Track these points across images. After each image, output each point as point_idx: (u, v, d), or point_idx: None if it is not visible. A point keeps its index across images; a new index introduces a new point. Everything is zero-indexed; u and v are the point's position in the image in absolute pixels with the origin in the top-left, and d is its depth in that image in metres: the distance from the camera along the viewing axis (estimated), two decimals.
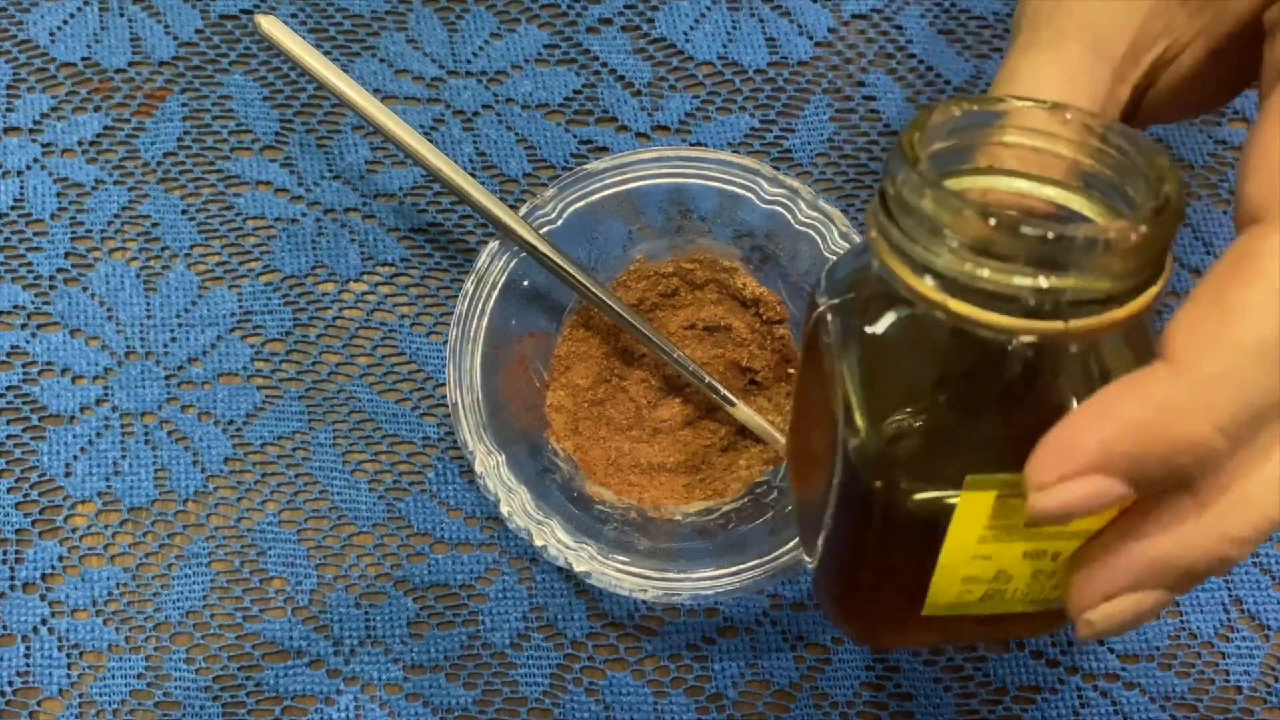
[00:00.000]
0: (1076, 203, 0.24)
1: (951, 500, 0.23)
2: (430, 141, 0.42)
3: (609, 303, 0.37)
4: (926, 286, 0.22)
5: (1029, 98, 0.24)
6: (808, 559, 0.30)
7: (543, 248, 0.36)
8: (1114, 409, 0.20)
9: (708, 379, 0.38)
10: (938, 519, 0.23)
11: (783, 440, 0.39)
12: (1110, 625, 0.22)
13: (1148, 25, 0.26)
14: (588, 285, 0.37)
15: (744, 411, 0.39)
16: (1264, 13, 0.24)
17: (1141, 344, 0.23)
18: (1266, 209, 0.21)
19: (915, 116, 0.24)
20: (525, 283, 0.38)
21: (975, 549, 0.24)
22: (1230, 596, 0.40)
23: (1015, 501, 0.23)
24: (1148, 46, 0.26)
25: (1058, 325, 0.21)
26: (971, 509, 0.23)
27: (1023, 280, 0.21)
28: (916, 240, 0.22)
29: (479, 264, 0.37)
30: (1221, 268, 0.21)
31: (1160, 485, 0.21)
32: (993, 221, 0.21)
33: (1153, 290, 0.22)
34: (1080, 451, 0.20)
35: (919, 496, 0.24)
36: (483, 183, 0.42)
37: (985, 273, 0.21)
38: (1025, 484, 0.21)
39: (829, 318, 0.26)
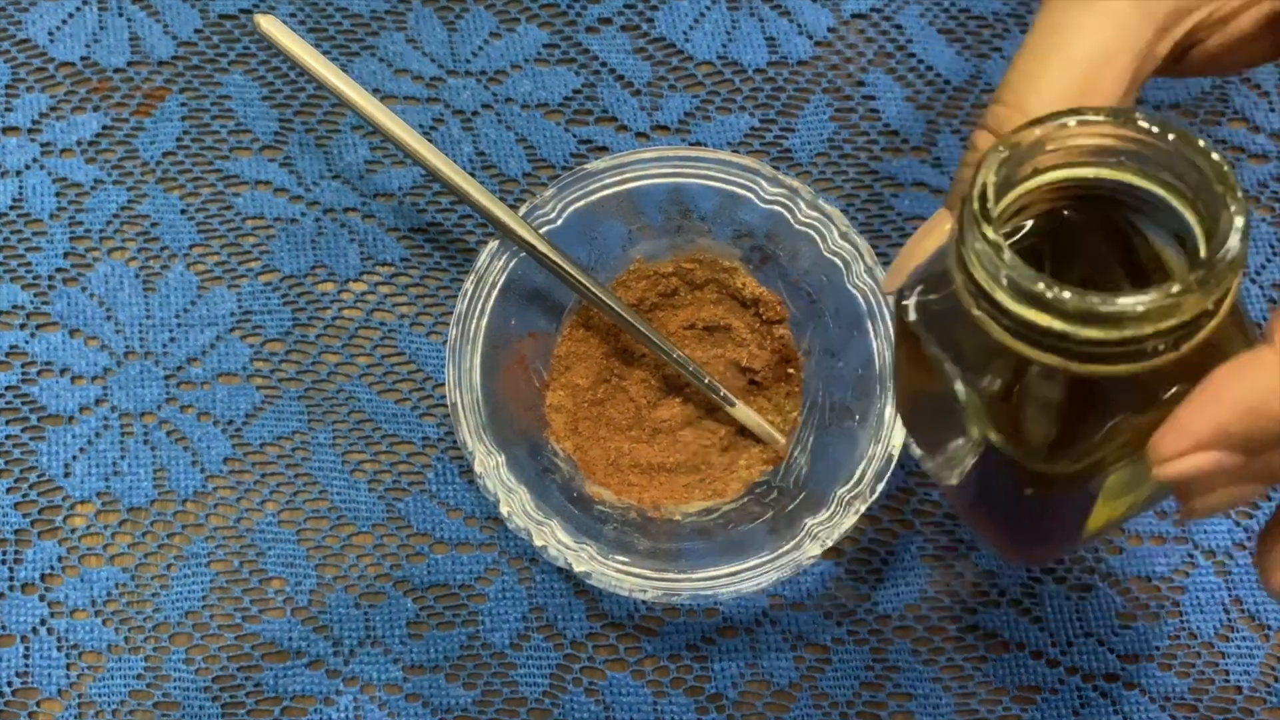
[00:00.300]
0: (1146, 183, 0.24)
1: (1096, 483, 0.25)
2: (429, 141, 0.42)
3: (608, 302, 0.37)
4: (1035, 352, 0.23)
5: (1085, 109, 0.24)
6: (946, 479, 0.29)
7: (542, 247, 0.36)
8: (1225, 395, 0.23)
9: (707, 379, 0.38)
10: (1085, 493, 0.26)
11: (782, 440, 0.39)
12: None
13: None
14: (587, 285, 0.37)
15: (743, 412, 0.39)
16: None
17: (1234, 311, 0.24)
18: None
19: (982, 167, 0.24)
20: (525, 283, 0.38)
21: (1120, 495, 0.26)
22: (1230, 596, 0.40)
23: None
24: (1192, 8, 0.27)
25: (1171, 356, 0.23)
26: (1114, 479, 0.25)
27: (1131, 334, 0.22)
28: (1013, 310, 0.23)
29: (479, 264, 0.37)
30: None
31: (1268, 448, 0.23)
32: (1089, 302, 0.22)
33: (1236, 281, 0.23)
34: (1196, 434, 0.23)
35: (1065, 486, 0.25)
36: (482, 183, 0.42)
37: (1093, 333, 0.22)
38: (1150, 459, 0.23)
39: (918, 317, 0.26)
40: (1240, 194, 0.23)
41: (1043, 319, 0.22)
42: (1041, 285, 0.22)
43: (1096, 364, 0.23)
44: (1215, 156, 0.23)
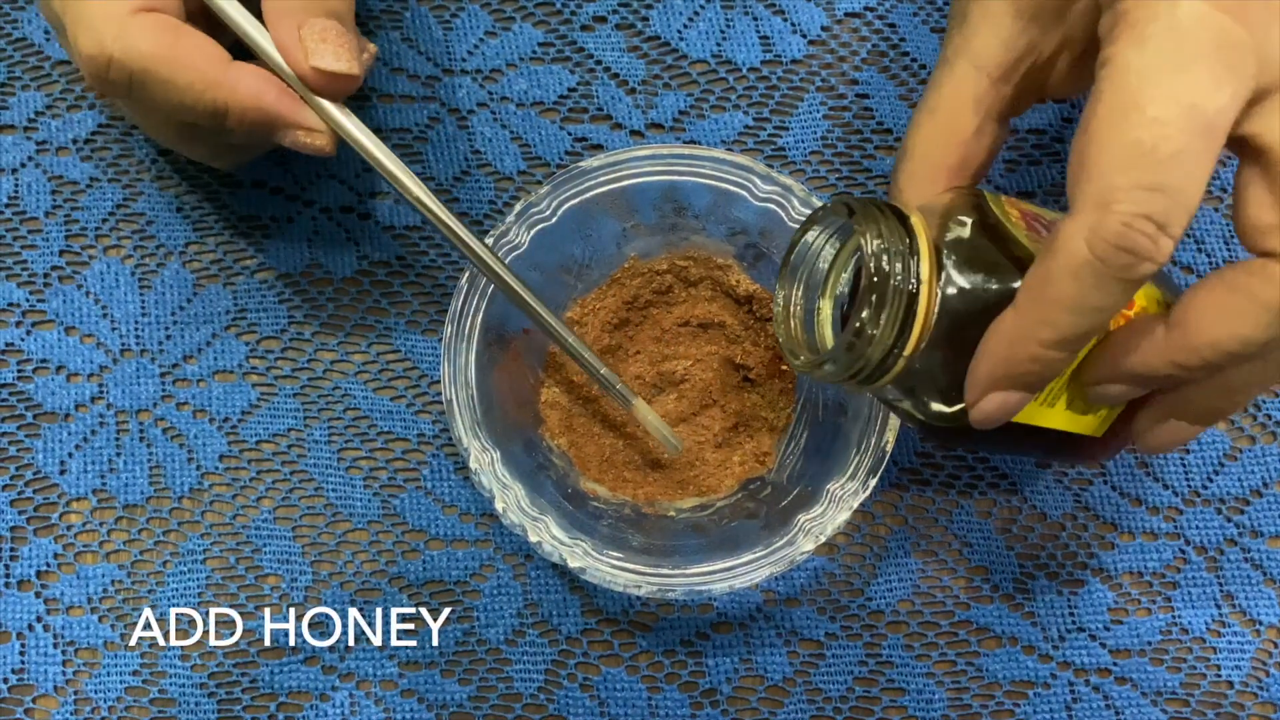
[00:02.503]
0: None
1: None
2: (426, 140, 0.43)
3: (560, 332, 0.36)
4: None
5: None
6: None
7: (483, 255, 0.35)
8: (987, 350, 0.29)
9: (618, 384, 0.37)
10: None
11: (678, 447, 0.39)
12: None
13: (1012, 44, 0.33)
14: (543, 315, 0.36)
15: (642, 410, 0.38)
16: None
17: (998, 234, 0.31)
18: (1070, 196, 0.28)
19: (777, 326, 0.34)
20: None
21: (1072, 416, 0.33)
22: (1221, 592, 0.40)
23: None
24: (1020, 59, 0.33)
25: (900, 364, 0.31)
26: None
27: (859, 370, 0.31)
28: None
29: None
30: (1042, 255, 0.28)
31: (1035, 381, 0.29)
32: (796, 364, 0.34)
33: (923, 295, 0.30)
34: (978, 384, 0.30)
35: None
36: (477, 180, 0.42)
37: (828, 374, 0.32)
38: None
39: None
40: (868, 238, 0.30)
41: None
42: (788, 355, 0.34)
43: (864, 385, 0.31)
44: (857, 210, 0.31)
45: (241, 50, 0.34)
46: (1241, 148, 0.29)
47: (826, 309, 0.34)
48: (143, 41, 0.32)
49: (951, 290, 0.30)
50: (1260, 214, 0.29)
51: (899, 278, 0.30)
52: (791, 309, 0.34)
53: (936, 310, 0.30)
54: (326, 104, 0.34)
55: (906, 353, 0.30)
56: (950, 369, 0.31)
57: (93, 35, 0.32)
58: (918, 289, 0.30)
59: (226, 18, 0.34)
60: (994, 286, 0.30)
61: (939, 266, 0.30)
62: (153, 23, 0.32)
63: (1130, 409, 0.33)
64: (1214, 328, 0.29)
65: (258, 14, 0.34)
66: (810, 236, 0.34)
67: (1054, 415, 0.32)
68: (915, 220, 0.31)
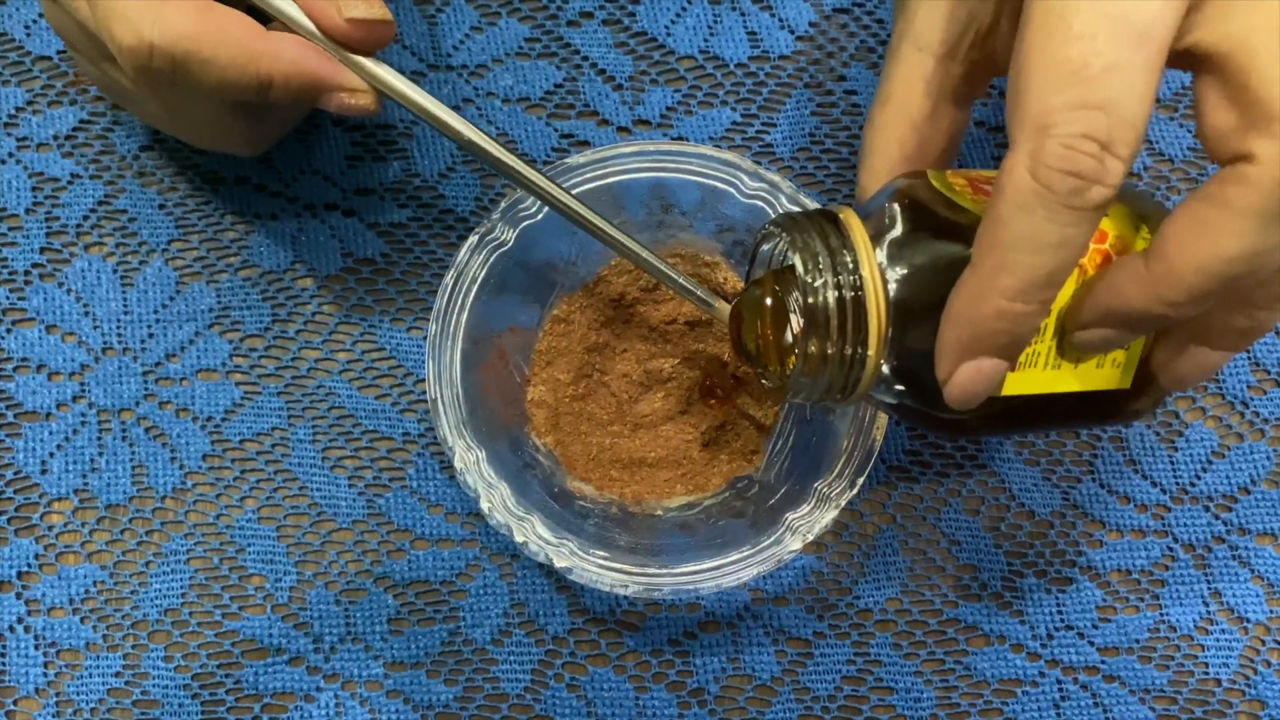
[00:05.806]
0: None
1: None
2: (411, 137, 0.42)
3: (628, 245, 0.35)
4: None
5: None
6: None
7: (555, 192, 0.35)
8: (950, 315, 0.28)
9: (699, 290, 0.36)
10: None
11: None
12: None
13: (953, 18, 0.32)
14: (611, 233, 0.35)
15: (725, 312, 0.36)
16: None
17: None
18: (1009, 133, 0.26)
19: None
20: (506, 278, 0.37)
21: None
22: (1209, 589, 0.40)
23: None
24: (961, 32, 0.32)
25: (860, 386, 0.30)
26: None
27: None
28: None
29: (459, 259, 0.37)
30: (990, 200, 0.27)
31: (1008, 342, 0.27)
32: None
33: (871, 330, 0.29)
34: (947, 351, 0.28)
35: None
36: (463, 176, 0.42)
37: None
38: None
39: None
40: (797, 257, 0.29)
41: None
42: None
43: (849, 398, 0.31)
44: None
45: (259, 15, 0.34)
46: (1191, 61, 0.28)
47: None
48: (179, 24, 0.32)
49: (899, 276, 0.29)
50: (1220, 117, 0.27)
51: (831, 288, 0.29)
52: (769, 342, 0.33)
53: (888, 303, 0.29)
54: (363, 60, 0.34)
55: (871, 354, 0.29)
56: (933, 356, 0.29)
57: (129, 27, 0.32)
58: (860, 288, 0.29)
59: None
60: (945, 257, 0.28)
61: (885, 258, 0.29)
62: (186, 4, 0.32)
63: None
64: (1194, 249, 0.27)
65: None
66: (765, 258, 0.33)
67: (1063, 377, 0.30)
68: (846, 218, 0.30)
